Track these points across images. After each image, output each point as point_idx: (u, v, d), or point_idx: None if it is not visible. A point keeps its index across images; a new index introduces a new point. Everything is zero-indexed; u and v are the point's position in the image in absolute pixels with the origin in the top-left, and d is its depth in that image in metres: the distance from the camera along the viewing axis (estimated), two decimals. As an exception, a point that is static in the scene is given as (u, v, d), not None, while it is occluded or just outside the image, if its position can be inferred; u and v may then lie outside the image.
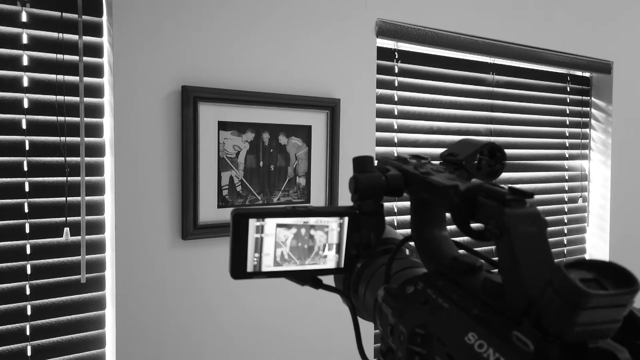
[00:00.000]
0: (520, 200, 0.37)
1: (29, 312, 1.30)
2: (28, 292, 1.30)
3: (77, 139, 1.33)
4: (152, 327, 1.41)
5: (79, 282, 1.35)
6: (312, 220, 0.48)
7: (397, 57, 1.90)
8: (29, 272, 1.30)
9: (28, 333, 1.30)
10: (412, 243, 0.62)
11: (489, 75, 2.17)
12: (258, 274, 0.48)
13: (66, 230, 1.31)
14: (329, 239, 0.49)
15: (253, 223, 0.46)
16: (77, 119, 1.33)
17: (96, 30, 1.35)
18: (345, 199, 1.72)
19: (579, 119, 2.52)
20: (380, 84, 1.85)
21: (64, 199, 1.32)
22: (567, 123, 2.47)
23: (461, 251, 0.51)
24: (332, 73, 1.67)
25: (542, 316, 0.32)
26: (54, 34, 1.30)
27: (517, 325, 0.34)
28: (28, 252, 1.29)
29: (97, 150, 1.37)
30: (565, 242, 2.50)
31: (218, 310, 1.51)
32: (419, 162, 0.54)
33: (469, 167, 0.54)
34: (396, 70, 1.90)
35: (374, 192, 0.50)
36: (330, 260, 0.50)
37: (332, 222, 0.49)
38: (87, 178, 1.35)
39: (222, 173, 1.47)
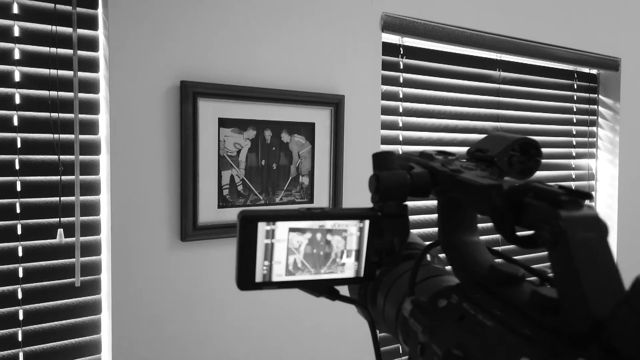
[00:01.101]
0: (577, 201, 0.31)
1: (20, 317, 1.24)
2: (20, 297, 1.24)
3: (71, 136, 1.28)
4: (150, 333, 1.35)
5: (73, 286, 1.29)
6: (328, 224, 0.43)
7: (402, 52, 1.85)
8: (20, 275, 1.24)
9: (20, 339, 1.24)
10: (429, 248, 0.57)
11: (496, 72, 2.12)
12: (268, 284, 0.43)
13: (60, 231, 1.26)
14: (347, 244, 0.44)
15: (263, 227, 0.41)
16: (71, 116, 1.28)
17: (91, 23, 1.30)
18: (349, 199, 1.67)
19: (586, 117, 2.47)
20: (385, 81, 1.80)
21: (57, 198, 1.27)
22: (574, 121, 2.42)
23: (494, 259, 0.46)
24: (336, 68, 1.62)
25: (615, 339, 0.27)
26: (47, 27, 1.25)
27: (582, 350, 0.28)
28: (20, 254, 1.24)
29: (92, 147, 1.31)
30: (572, 243, 2.44)
31: (218, 315, 1.45)
32: (446, 158, 0.49)
33: (501, 164, 0.48)
34: (401, 66, 1.85)
35: (397, 192, 0.44)
36: (349, 268, 0.44)
37: (351, 226, 0.43)
38: (81, 177, 1.30)
39: (223, 172, 1.42)
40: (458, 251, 0.44)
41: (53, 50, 1.25)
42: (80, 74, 1.29)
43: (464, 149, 2.02)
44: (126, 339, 1.32)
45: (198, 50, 1.39)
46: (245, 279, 0.42)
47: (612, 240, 2.50)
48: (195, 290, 1.41)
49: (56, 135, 1.26)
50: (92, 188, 1.32)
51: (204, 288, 1.43)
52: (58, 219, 1.27)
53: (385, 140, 1.81)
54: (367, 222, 0.43)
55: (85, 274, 1.31)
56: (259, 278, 0.42)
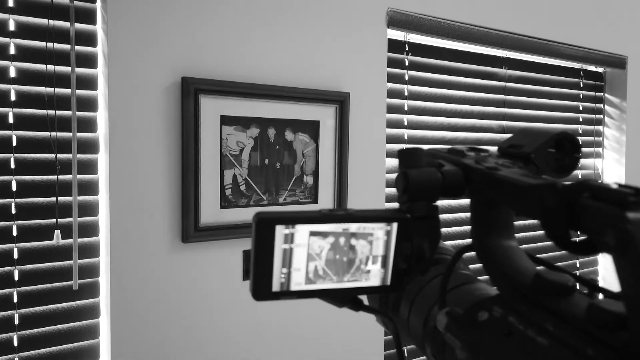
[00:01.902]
0: (646, 202, 0.27)
1: (16, 322, 1.20)
2: (15, 300, 1.20)
3: (69, 134, 1.24)
4: (150, 337, 1.31)
5: (71, 289, 1.25)
6: (353, 227, 0.39)
7: (407, 49, 1.81)
8: (16, 278, 1.20)
9: (16, 344, 1.20)
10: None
11: (502, 69, 2.08)
12: (286, 294, 0.39)
13: (57, 232, 1.22)
14: (373, 249, 0.40)
15: (281, 231, 0.37)
16: (68, 113, 1.24)
17: (89, 17, 1.25)
18: (354, 199, 1.63)
19: (592, 115, 2.44)
20: (390, 78, 1.76)
21: (54, 198, 1.23)
22: (580, 120, 2.39)
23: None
24: (341, 65, 1.58)
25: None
26: (44, 21, 1.20)
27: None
28: (15, 256, 1.20)
29: (90, 146, 1.27)
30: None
31: (221, 319, 1.41)
32: (478, 155, 0.45)
33: (539, 161, 0.44)
34: (406, 64, 1.81)
35: (428, 192, 0.40)
36: (375, 276, 0.40)
37: (378, 230, 0.39)
38: (79, 176, 1.25)
39: (225, 171, 1.38)
40: (495, 257, 0.40)
41: (50, 45, 1.21)
42: (78, 70, 1.24)
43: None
44: (125, 344, 1.28)
45: (200, 46, 1.35)
46: (262, 288, 0.38)
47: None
48: (197, 293, 1.37)
49: (53, 133, 1.22)
50: (90, 188, 1.27)
51: (206, 291, 1.39)
52: (55, 220, 1.23)
53: (390, 139, 1.77)
54: (395, 224, 0.39)
55: (83, 277, 1.27)
56: (276, 287, 0.38)
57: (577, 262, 2.40)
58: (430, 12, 1.75)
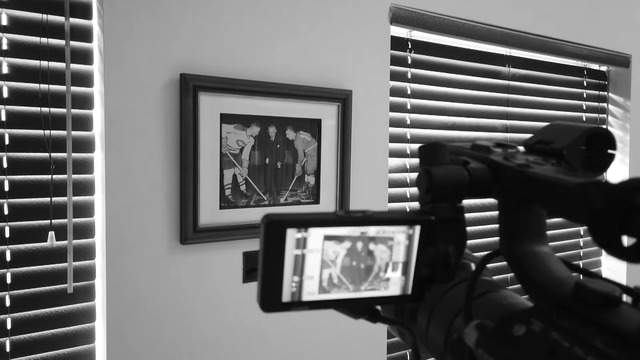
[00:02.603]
0: None
1: (8, 326, 1.16)
2: (8, 304, 1.16)
3: (64, 132, 1.20)
4: (147, 342, 1.28)
5: (66, 292, 1.22)
6: (371, 231, 0.35)
7: (410, 47, 1.78)
8: (9, 281, 1.16)
9: (8, 349, 1.16)
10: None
11: (505, 67, 2.05)
12: (298, 304, 0.35)
13: (51, 234, 1.18)
14: (393, 255, 0.36)
15: (292, 234, 0.33)
16: (63, 110, 1.20)
17: (85, 11, 1.22)
18: (356, 200, 1.59)
19: (596, 115, 2.41)
20: (392, 76, 1.73)
21: (48, 199, 1.19)
22: (584, 119, 2.36)
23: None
24: (343, 62, 1.54)
25: None
26: (38, 15, 1.17)
27: None
28: (8, 258, 1.16)
29: (85, 144, 1.23)
30: (581, 244, 2.38)
31: (220, 323, 1.38)
32: (506, 151, 0.42)
33: (572, 158, 0.41)
34: (409, 61, 1.78)
35: (454, 191, 0.37)
36: (394, 284, 0.37)
37: (399, 233, 0.36)
38: (74, 176, 1.22)
39: (225, 171, 1.34)
40: (527, 264, 0.36)
41: (44, 40, 1.17)
42: (73, 66, 1.21)
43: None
44: (122, 349, 1.24)
45: (199, 41, 1.31)
46: (270, 298, 0.34)
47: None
48: (195, 296, 1.34)
49: (47, 132, 1.18)
50: (85, 188, 1.24)
51: (205, 294, 1.35)
52: (49, 221, 1.19)
53: (392, 138, 1.74)
54: (417, 228, 0.36)
55: (78, 280, 1.23)
56: (286, 297, 0.35)
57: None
58: (433, 9, 1.72)
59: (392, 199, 1.75)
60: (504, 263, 1.95)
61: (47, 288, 1.20)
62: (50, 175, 1.19)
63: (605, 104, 2.44)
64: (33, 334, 1.19)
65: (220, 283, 1.37)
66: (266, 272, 0.33)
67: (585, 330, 0.29)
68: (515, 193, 0.36)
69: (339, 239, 0.34)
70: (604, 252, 2.49)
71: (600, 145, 0.41)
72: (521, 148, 0.44)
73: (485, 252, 0.42)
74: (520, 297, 0.40)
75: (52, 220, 1.20)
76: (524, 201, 0.37)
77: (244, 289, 1.40)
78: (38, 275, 1.19)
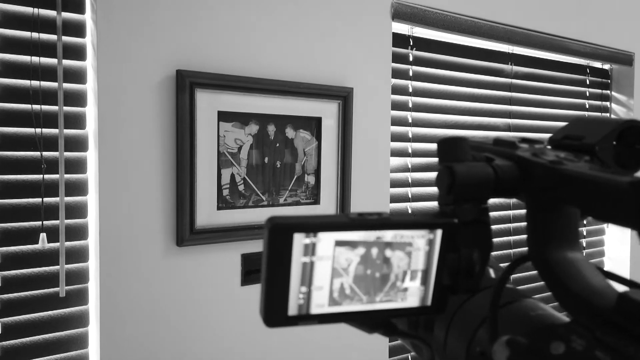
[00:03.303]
0: None
1: (-2, 331, 1.12)
2: (-2, 308, 1.12)
3: (56, 130, 1.16)
4: (142, 346, 1.24)
5: (58, 296, 1.18)
6: (388, 236, 0.32)
7: (411, 44, 1.74)
8: (-2, 284, 1.12)
9: (-2, 355, 1.12)
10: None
11: (507, 65, 2.02)
12: (305, 318, 0.31)
13: (42, 236, 1.14)
14: (412, 263, 0.33)
15: (300, 240, 0.30)
16: (55, 108, 1.16)
17: (77, 6, 1.18)
18: (358, 201, 1.55)
19: (599, 114, 2.38)
20: (393, 74, 1.69)
21: (39, 199, 1.15)
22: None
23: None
24: (344, 59, 1.51)
25: None
26: (29, 9, 1.13)
27: None
28: (-2, 261, 1.12)
29: (78, 143, 1.19)
30: (584, 245, 2.35)
31: (218, 327, 1.34)
32: (532, 146, 0.38)
33: (605, 155, 0.37)
34: (411, 59, 1.74)
35: (479, 191, 0.33)
36: (413, 295, 0.33)
37: (418, 238, 0.32)
38: (66, 175, 1.18)
39: (223, 170, 1.30)
40: (561, 271, 0.32)
41: (35, 35, 1.13)
42: (66, 62, 1.17)
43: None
44: (116, 354, 1.20)
45: (196, 37, 1.27)
46: (275, 311, 0.31)
47: (626, 243, 2.40)
48: (192, 300, 1.30)
49: (38, 130, 1.14)
50: (78, 188, 1.19)
51: (202, 298, 1.31)
52: (40, 222, 1.15)
53: (393, 137, 1.70)
54: (439, 232, 0.32)
55: (70, 283, 1.19)
56: (293, 310, 0.31)
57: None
58: (435, 5, 1.69)
59: (394, 199, 1.71)
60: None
61: (39, 292, 1.16)
62: (41, 175, 1.15)
63: (608, 103, 2.41)
64: (24, 339, 1.15)
65: (218, 286, 1.33)
66: (270, 282, 0.30)
67: (634, 349, 0.25)
68: (548, 193, 0.33)
69: (351, 244, 0.30)
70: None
71: (632, 140, 0.38)
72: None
73: (511, 258, 0.39)
74: (549, 307, 0.37)
75: (44, 222, 1.16)
76: (556, 202, 0.33)
77: (242, 292, 1.37)
78: (29, 278, 1.15)
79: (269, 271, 0.30)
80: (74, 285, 1.20)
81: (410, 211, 1.76)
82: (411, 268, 0.32)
